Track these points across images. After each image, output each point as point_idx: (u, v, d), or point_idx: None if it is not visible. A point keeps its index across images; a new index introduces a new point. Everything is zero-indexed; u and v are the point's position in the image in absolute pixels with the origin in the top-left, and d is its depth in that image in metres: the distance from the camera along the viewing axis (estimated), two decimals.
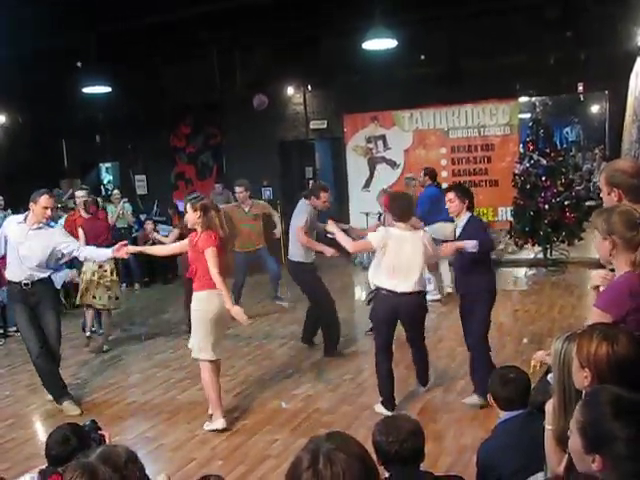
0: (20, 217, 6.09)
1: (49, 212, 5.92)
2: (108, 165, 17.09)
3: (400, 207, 5.67)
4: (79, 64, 11.98)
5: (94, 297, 7.92)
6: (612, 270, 3.23)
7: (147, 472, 2.26)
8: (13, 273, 6.01)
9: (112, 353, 8.00)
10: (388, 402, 5.67)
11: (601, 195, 3.69)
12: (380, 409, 5.61)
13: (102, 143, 15.78)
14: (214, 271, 5.32)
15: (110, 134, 15.24)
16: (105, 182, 17.01)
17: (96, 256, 6.48)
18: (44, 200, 5.87)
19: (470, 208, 5.64)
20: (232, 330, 8.64)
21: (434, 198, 8.70)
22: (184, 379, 6.86)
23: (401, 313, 5.60)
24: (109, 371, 7.34)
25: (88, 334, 8.27)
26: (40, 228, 5.97)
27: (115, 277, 8.09)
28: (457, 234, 5.64)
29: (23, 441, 5.56)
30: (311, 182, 14.00)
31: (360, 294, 10.70)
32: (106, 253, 6.21)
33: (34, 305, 6.06)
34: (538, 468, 2.86)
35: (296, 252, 7.32)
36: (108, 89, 11.88)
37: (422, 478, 2.94)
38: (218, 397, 5.56)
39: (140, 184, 15.90)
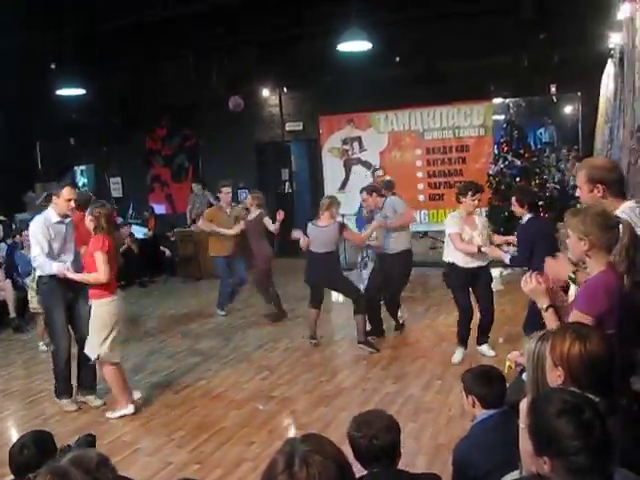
0: (52, 216, 6.08)
1: (72, 203, 6.06)
2: (83, 168, 16.99)
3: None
4: (53, 66, 11.89)
5: None
6: (585, 269, 3.26)
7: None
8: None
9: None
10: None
11: (577, 194, 3.70)
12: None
13: (77, 145, 15.68)
14: (101, 269, 5.59)
15: (85, 136, 15.13)
16: (80, 185, 16.88)
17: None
18: (67, 192, 5.99)
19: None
20: (209, 333, 8.66)
21: None
22: (161, 382, 6.82)
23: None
24: None
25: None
26: (64, 221, 6.13)
27: None
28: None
29: None
30: (287, 184, 14.03)
31: (337, 296, 10.67)
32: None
33: (72, 298, 6.15)
34: (513, 467, 2.88)
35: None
36: (82, 91, 11.82)
37: (397, 476, 2.90)
38: (123, 388, 5.91)
39: (115, 187, 15.82)
